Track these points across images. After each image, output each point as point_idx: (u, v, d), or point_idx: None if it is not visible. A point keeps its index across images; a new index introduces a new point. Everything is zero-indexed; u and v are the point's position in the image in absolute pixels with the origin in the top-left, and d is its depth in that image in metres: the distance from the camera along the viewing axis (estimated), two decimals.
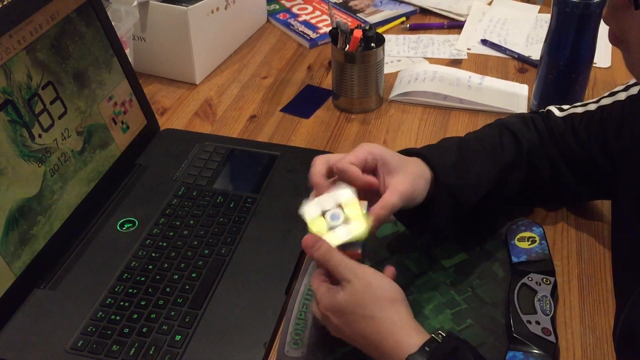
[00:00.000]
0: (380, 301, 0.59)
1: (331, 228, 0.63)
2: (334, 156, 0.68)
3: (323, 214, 0.64)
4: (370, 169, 0.68)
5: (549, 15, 0.97)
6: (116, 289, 0.73)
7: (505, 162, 0.75)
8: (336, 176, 0.67)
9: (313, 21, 1.34)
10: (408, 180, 0.67)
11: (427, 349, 0.56)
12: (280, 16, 1.35)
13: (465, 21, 1.33)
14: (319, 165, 0.68)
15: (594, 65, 0.98)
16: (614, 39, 0.56)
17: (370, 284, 0.59)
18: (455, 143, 0.75)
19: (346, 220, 0.63)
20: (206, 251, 0.78)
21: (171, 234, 0.80)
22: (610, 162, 0.74)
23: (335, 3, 1.42)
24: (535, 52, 1.18)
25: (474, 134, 0.79)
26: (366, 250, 0.66)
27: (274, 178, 0.90)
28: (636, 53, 0.54)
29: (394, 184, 0.66)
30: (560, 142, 0.77)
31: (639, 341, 0.60)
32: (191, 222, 0.82)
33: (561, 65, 0.96)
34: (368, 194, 0.67)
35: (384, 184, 0.67)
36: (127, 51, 0.98)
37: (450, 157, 0.72)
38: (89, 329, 0.68)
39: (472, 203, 0.73)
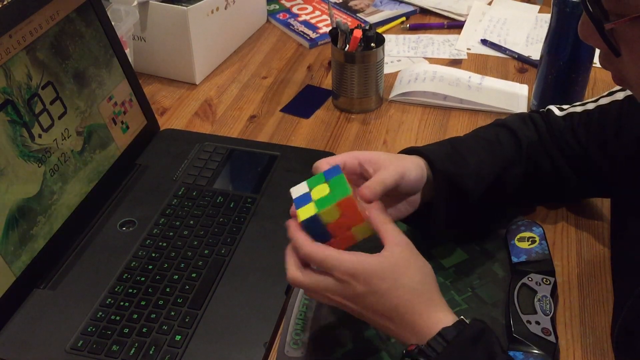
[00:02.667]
0: (421, 272, 0.58)
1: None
2: (333, 158, 0.68)
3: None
4: (352, 171, 0.68)
5: (549, 15, 0.97)
6: (116, 289, 0.73)
7: (504, 156, 0.75)
8: None
9: (313, 21, 1.34)
10: (394, 161, 0.67)
11: (461, 326, 0.56)
12: (280, 16, 1.35)
13: (465, 21, 1.33)
14: (322, 164, 0.67)
15: (594, 65, 0.97)
16: (616, 79, 0.57)
17: (410, 251, 0.59)
18: (447, 140, 0.77)
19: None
20: (206, 251, 0.78)
21: (171, 234, 0.80)
22: (609, 161, 0.74)
23: (335, 3, 1.42)
24: (535, 52, 1.18)
25: (468, 133, 0.80)
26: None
27: (274, 178, 0.90)
28: (637, 89, 0.56)
29: (382, 167, 0.66)
30: (559, 139, 0.77)
31: (638, 341, 0.60)
32: (191, 222, 0.82)
33: (561, 65, 0.96)
34: None
35: (374, 172, 0.66)
36: (127, 51, 0.98)
37: (443, 150, 0.73)
38: (89, 329, 0.68)
39: (473, 190, 0.72)
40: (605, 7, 0.50)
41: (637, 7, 0.49)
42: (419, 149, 0.72)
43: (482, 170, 0.73)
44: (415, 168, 0.68)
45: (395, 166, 0.66)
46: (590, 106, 0.77)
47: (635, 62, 0.53)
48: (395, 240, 0.59)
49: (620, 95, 0.75)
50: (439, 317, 0.57)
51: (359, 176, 0.67)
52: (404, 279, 0.57)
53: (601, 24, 0.51)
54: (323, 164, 0.65)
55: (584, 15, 0.54)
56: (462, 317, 0.57)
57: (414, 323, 0.57)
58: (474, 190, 0.72)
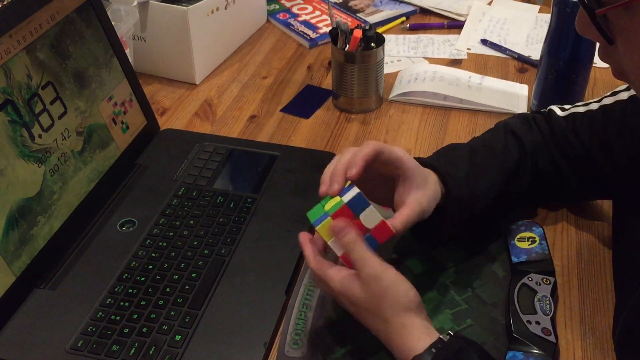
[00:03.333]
0: (395, 307, 0.59)
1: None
2: (354, 154, 0.66)
3: None
4: (377, 161, 0.66)
5: (549, 15, 0.97)
6: (116, 289, 0.73)
7: (510, 167, 0.75)
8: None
9: (313, 21, 1.34)
10: (426, 198, 0.67)
11: (433, 350, 0.57)
12: (280, 16, 1.35)
13: (465, 21, 1.33)
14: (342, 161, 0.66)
15: (594, 65, 0.98)
16: (616, 73, 0.57)
17: (389, 289, 0.59)
18: (466, 152, 0.75)
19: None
20: (206, 251, 0.78)
21: (171, 234, 0.80)
22: (611, 162, 0.74)
23: (335, 3, 1.42)
24: (535, 52, 1.18)
25: (482, 140, 0.79)
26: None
27: (274, 178, 0.90)
28: (636, 82, 0.56)
29: (414, 200, 0.66)
30: (561, 140, 0.77)
31: (639, 341, 0.60)
32: (191, 222, 0.82)
33: (561, 65, 0.96)
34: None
35: (402, 195, 0.66)
36: (127, 51, 0.98)
37: (462, 169, 0.72)
38: (89, 329, 0.68)
39: (481, 209, 0.73)
40: None
41: None
42: (439, 168, 0.71)
43: (490, 190, 0.74)
44: (434, 199, 0.68)
45: (423, 205, 0.66)
46: (594, 106, 0.77)
47: (630, 51, 0.52)
48: (373, 274, 0.59)
49: (624, 95, 0.74)
50: (410, 345, 0.58)
51: (373, 163, 0.66)
52: (376, 312, 0.60)
53: (592, 11, 0.51)
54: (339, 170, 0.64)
55: (580, 9, 0.55)
56: (440, 336, 0.58)
57: (393, 349, 0.60)
58: (482, 208, 0.73)
